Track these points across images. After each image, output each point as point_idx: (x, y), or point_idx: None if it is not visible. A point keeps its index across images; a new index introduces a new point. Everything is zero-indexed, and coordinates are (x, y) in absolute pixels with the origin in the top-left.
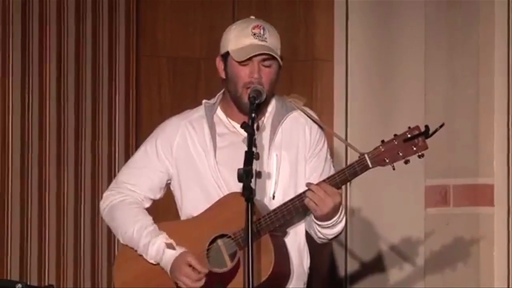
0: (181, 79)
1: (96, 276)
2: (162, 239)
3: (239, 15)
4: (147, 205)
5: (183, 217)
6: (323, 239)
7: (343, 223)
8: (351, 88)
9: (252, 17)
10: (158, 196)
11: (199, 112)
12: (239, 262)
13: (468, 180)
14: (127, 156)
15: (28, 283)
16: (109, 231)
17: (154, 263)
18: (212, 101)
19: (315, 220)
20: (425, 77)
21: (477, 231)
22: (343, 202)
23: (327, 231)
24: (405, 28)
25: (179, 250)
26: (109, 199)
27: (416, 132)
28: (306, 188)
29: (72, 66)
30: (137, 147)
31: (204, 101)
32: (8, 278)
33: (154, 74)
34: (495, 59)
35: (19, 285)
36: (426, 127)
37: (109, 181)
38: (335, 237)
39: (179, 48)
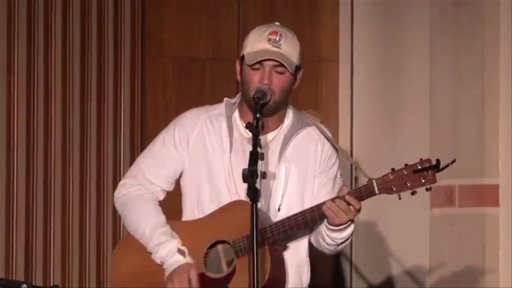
0: (186, 79)
1: (101, 276)
2: (177, 243)
3: (245, 15)
4: (162, 197)
5: (187, 211)
6: (332, 245)
7: (352, 227)
8: (356, 88)
9: (277, 23)
10: (171, 187)
11: (219, 109)
12: (234, 270)
13: (474, 180)
14: (132, 156)
15: (34, 283)
16: (114, 230)
17: (159, 263)
18: (233, 100)
19: (326, 224)
20: (430, 77)
21: (482, 231)
22: None
23: (336, 234)
24: (410, 29)
25: (188, 259)
26: (125, 190)
27: (427, 164)
28: (312, 205)
29: (77, 67)
30: (142, 147)
31: (225, 99)
32: (14, 278)
33: (159, 74)
34: (500, 59)
35: (25, 285)
36: (437, 161)
37: (114, 180)
38: (344, 242)
39: (184, 49)
